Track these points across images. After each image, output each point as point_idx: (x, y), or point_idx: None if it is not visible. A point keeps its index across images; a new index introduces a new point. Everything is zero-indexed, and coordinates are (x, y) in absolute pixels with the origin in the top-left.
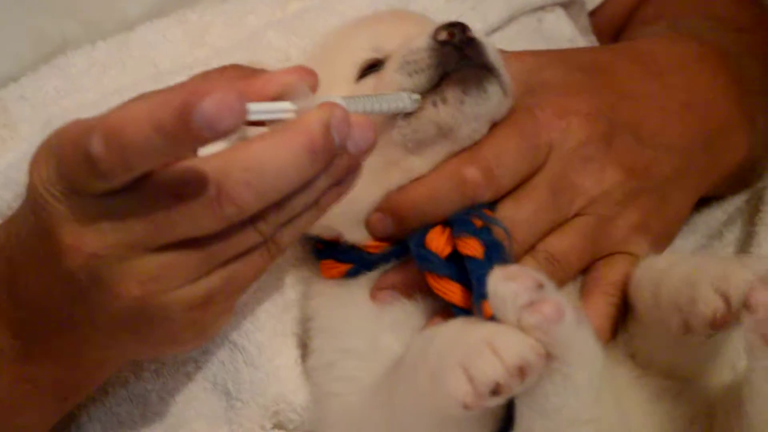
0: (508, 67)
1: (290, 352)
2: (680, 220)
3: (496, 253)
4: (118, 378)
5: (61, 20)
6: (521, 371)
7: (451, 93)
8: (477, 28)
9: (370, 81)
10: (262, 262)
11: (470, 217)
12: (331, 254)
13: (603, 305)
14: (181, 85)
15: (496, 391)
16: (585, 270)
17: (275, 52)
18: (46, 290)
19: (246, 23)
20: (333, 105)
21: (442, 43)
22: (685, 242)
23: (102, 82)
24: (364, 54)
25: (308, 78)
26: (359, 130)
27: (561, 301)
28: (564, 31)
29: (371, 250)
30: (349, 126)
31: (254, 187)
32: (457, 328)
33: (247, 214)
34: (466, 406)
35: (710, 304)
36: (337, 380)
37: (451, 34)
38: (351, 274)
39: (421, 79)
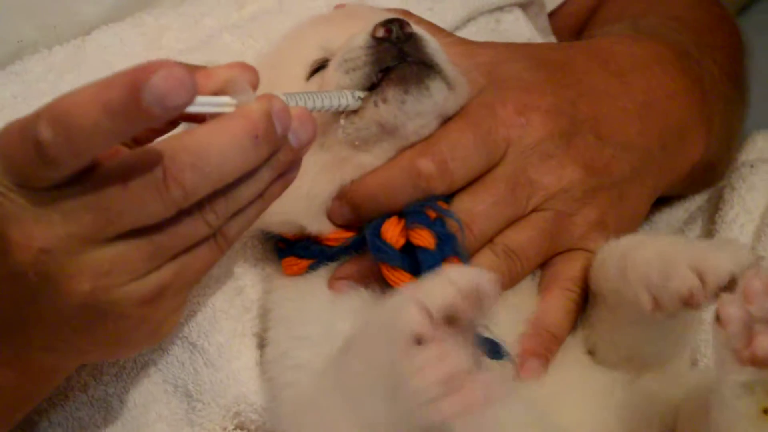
0: (473, 57)
1: (250, 353)
2: (638, 218)
3: (448, 245)
4: (78, 382)
5: (17, 24)
6: (476, 296)
7: (392, 92)
8: None
9: (316, 80)
10: (211, 256)
11: (424, 208)
12: (293, 252)
13: (561, 300)
14: (127, 70)
15: (451, 318)
16: (543, 265)
17: (231, 55)
18: None
19: (202, 26)
20: (272, 96)
21: (380, 40)
22: None
23: (59, 87)
24: (314, 54)
25: (248, 74)
26: (299, 122)
27: (476, 390)
28: (522, 32)
29: (331, 243)
30: (290, 117)
31: (199, 169)
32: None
33: (194, 198)
34: (419, 336)
35: (687, 281)
36: (292, 368)
37: (389, 31)
38: (312, 268)
39: (358, 77)
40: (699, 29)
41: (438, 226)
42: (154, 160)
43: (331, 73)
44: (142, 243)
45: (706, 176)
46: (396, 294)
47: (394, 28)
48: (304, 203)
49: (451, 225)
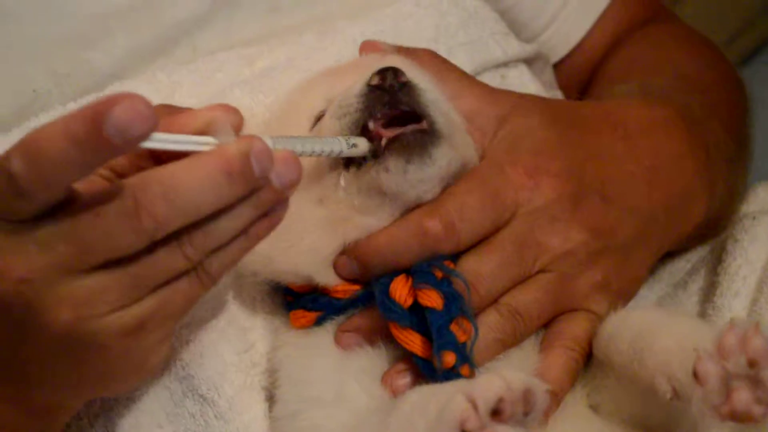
0: (489, 103)
1: (259, 406)
2: (640, 280)
3: (455, 305)
4: None
5: (32, 74)
6: (525, 395)
7: (393, 162)
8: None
9: (315, 130)
10: (193, 291)
11: (431, 268)
12: (301, 304)
13: (563, 358)
14: (92, 102)
15: (497, 411)
16: (546, 324)
17: (242, 110)
18: None
19: (214, 81)
20: (254, 137)
21: (374, 88)
22: (650, 292)
23: None
24: (319, 105)
25: (231, 115)
26: (283, 163)
27: None
28: (528, 86)
29: (339, 295)
30: (271, 158)
31: (171, 201)
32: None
33: (167, 229)
34: (465, 428)
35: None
36: (303, 429)
37: (383, 78)
38: (320, 322)
39: (348, 122)
40: (704, 88)
41: (445, 286)
42: (126, 191)
43: (326, 120)
44: (119, 274)
45: (707, 232)
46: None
47: (388, 76)
48: (307, 256)
49: (458, 285)
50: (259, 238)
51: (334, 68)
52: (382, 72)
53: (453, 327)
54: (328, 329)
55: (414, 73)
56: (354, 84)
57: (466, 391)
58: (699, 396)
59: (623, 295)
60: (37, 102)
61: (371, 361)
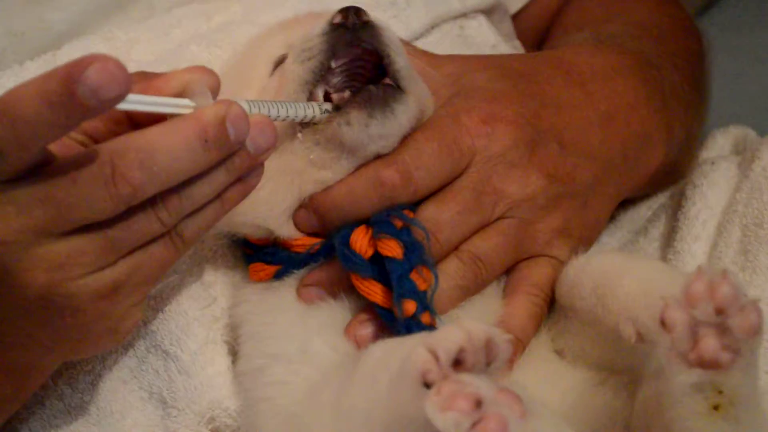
0: (438, 68)
1: (222, 360)
2: (600, 225)
3: (415, 254)
4: (54, 391)
5: None
6: (487, 345)
7: (356, 116)
8: (401, 35)
9: (277, 74)
10: (167, 255)
11: (391, 218)
12: (260, 257)
13: (526, 304)
14: (65, 63)
15: (459, 361)
16: (508, 271)
17: (199, 64)
18: None
19: (171, 38)
20: (230, 102)
21: (336, 26)
22: (611, 238)
23: None
24: (277, 51)
25: (208, 77)
26: (258, 129)
27: (502, 412)
28: (487, 37)
29: (298, 249)
30: (247, 124)
31: (147, 167)
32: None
33: (143, 196)
34: (427, 379)
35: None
36: (268, 385)
37: (345, 17)
38: (279, 275)
39: (313, 65)
40: (660, 35)
41: (404, 236)
42: (103, 157)
43: (288, 64)
44: (95, 237)
45: (667, 177)
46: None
47: (350, 15)
48: (264, 208)
49: (417, 233)
50: (234, 202)
51: (291, 19)
52: (344, 11)
53: (413, 275)
54: (290, 284)
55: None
56: (314, 26)
57: (427, 343)
58: (666, 343)
59: (584, 240)
60: None
61: (334, 314)
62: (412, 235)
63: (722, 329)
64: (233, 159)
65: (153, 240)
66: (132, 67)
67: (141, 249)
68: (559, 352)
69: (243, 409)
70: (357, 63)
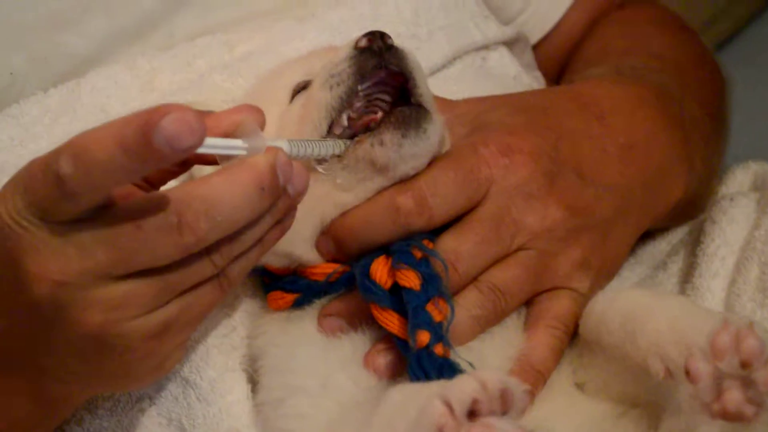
0: (453, 110)
1: (241, 388)
2: (621, 257)
3: (433, 285)
4: (74, 416)
5: (8, 57)
6: (503, 395)
7: (389, 136)
8: (423, 66)
9: (300, 100)
10: (215, 295)
11: (410, 248)
12: (279, 286)
13: (547, 337)
14: (143, 110)
15: (474, 411)
16: (528, 303)
17: (221, 93)
18: (9, 324)
19: (194, 68)
20: (277, 149)
21: (362, 51)
22: (632, 273)
23: (54, 130)
24: (297, 78)
25: (256, 116)
26: (297, 173)
27: None
28: (508, 69)
29: (317, 278)
30: (291, 170)
31: (212, 218)
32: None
33: (205, 244)
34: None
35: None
36: (288, 417)
37: (371, 41)
38: (298, 304)
39: (342, 90)
40: (680, 68)
41: (423, 267)
42: (170, 205)
43: (315, 89)
44: (152, 281)
45: (687, 211)
46: (423, 386)
47: (375, 39)
48: (289, 235)
49: (436, 265)
50: (272, 243)
51: (309, 52)
52: (370, 35)
53: (429, 307)
54: (310, 315)
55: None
56: (339, 51)
57: (443, 395)
58: (690, 393)
59: (605, 272)
60: (14, 86)
61: (355, 347)
62: (431, 267)
63: (747, 382)
64: (277, 203)
65: (203, 282)
66: (155, 97)
67: (191, 290)
68: (580, 386)
69: None
70: (379, 88)
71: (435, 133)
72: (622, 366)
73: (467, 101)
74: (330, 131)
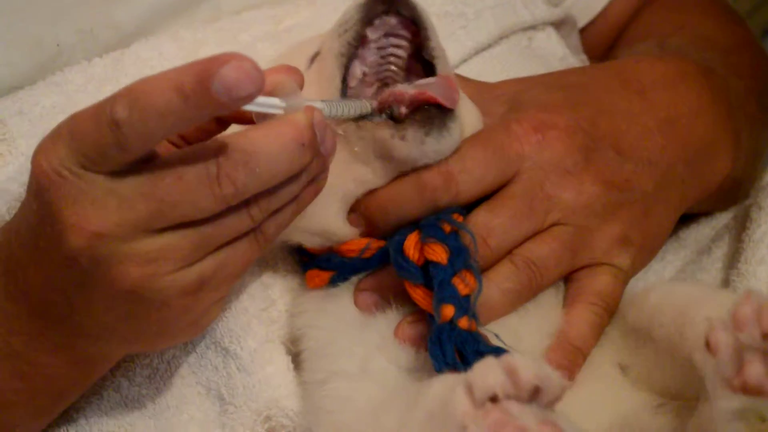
0: (490, 91)
1: (281, 359)
2: (663, 234)
3: (460, 258)
4: (112, 383)
5: (55, 27)
6: (535, 389)
7: (412, 133)
8: (468, 46)
9: (316, 62)
10: (251, 252)
11: (440, 222)
12: (316, 263)
13: (586, 314)
14: (201, 59)
15: (494, 398)
16: (567, 279)
17: (263, 61)
18: (45, 279)
19: (239, 40)
20: (314, 108)
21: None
22: (675, 257)
23: (98, 98)
24: (314, 47)
25: (294, 76)
26: (328, 133)
27: None
28: (555, 50)
29: (351, 254)
30: (326, 128)
31: (251, 169)
32: None
33: (243, 196)
34: (465, 423)
35: None
36: (330, 398)
37: None
38: (334, 281)
39: (349, 36)
40: (726, 49)
41: (451, 240)
42: (209, 156)
43: (326, 42)
44: (189, 234)
45: (731, 194)
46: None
47: None
48: (315, 207)
49: (465, 238)
50: (307, 202)
51: None
52: None
53: (455, 280)
54: (347, 293)
55: None
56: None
57: (467, 384)
58: (711, 367)
59: (647, 249)
60: (60, 56)
61: (391, 326)
62: (459, 240)
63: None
64: (312, 161)
65: (239, 237)
66: None
67: (228, 246)
68: (624, 368)
69: (304, 414)
70: (391, 41)
71: (457, 129)
72: (670, 360)
73: (506, 82)
74: (346, 84)
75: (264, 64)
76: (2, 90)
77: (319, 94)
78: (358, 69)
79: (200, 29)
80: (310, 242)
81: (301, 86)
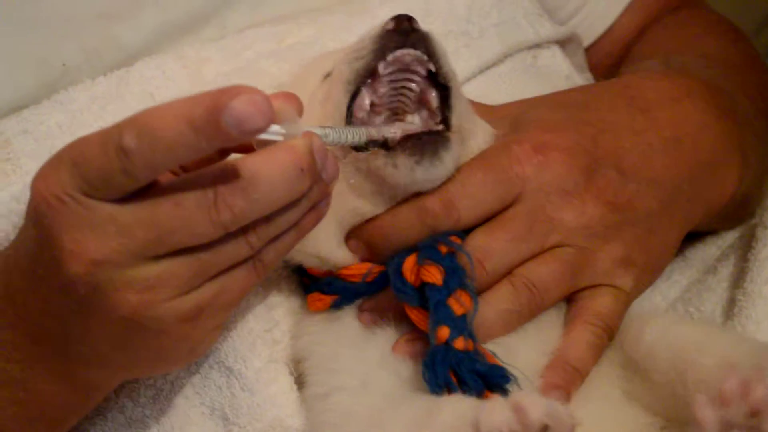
0: (494, 113)
1: (285, 379)
2: (667, 254)
3: (455, 279)
4: (116, 403)
5: (61, 47)
6: (543, 427)
7: (403, 160)
8: (472, 64)
9: (327, 81)
10: (249, 279)
11: (437, 244)
12: (318, 287)
13: (585, 334)
14: (212, 90)
15: None
16: (569, 300)
17: (267, 78)
18: (43, 306)
19: (242, 58)
20: (313, 134)
21: (390, 33)
22: (681, 276)
23: (102, 117)
24: (328, 66)
25: (293, 103)
26: (330, 159)
27: None
28: (560, 68)
29: (353, 279)
30: (326, 153)
31: (249, 196)
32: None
33: (242, 222)
34: None
35: None
36: (332, 411)
37: (397, 23)
38: (337, 305)
39: (360, 65)
40: (732, 67)
41: (447, 261)
42: (207, 183)
43: (336, 66)
44: (187, 261)
45: (737, 213)
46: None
47: (403, 22)
48: (311, 240)
49: (462, 259)
50: (308, 229)
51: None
52: (397, 18)
53: (450, 301)
54: (350, 315)
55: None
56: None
57: (474, 423)
58: None
59: (650, 269)
60: (66, 76)
61: (391, 343)
62: (455, 260)
63: (755, 431)
64: (312, 188)
65: (238, 264)
66: (203, 87)
67: (226, 273)
68: (628, 393)
69: (308, 430)
70: (405, 75)
71: (451, 159)
72: (670, 392)
73: (509, 104)
74: (351, 114)
75: (269, 81)
76: (7, 109)
77: (324, 116)
78: (366, 99)
79: (204, 47)
80: (309, 263)
81: (300, 113)
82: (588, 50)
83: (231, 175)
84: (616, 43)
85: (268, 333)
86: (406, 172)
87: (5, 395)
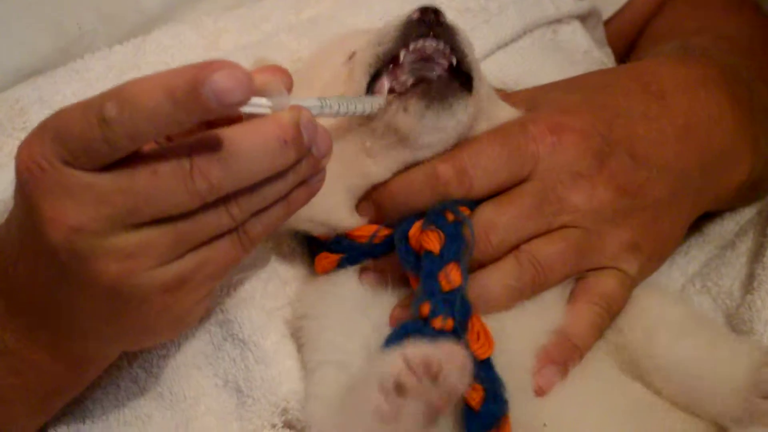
0: (514, 97)
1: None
2: (674, 241)
3: (453, 249)
4: (129, 374)
5: (79, 12)
6: (427, 369)
7: (413, 104)
8: (491, 41)
9: (351, 61)
10: (233, 252)
11: (444, 212)
12: (326, 247)
13: (587, 313)
14: (192, 64)
15: (400, 389)
16: (575, 280)
17: (286, 52)
18: (32, 274)
19: (260, 29)
20: (301, 108)
21: (415, 22)
22: (700, 252)
23: None
24: (353, 45)
25: (283, 78)
26: (321, 135)
27: None
28: (579, 43)
29: (360, 240)
30: (316, 128)
31: (226, 165)
32: None
33: (219, 192)
34: (379, 413)
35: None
36: (318, 385)
37: (424, 13)
38: (342, 264)
39: (381, 50)
40: (751, 49)
41: (450, 229)
42: (184, 152)
43: (359, 50)
44: (167, 229)
45: (751, 193)
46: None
47: (429, 12)
48: (319, 198)
49: (466, 230)
50: (299, 204)
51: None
52: (423, 9)
53: (441, 275)
54: (353, 279)
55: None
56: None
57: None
58: None
59: (656, 256)
60: (82, 41)
61: (385, 314)
62: (459, 230)
63: None
64: (301, 162)
65: (220, 236)
66: (220, 56)
67: (208, 244)
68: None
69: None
70: (429, 65)
71: (463, 110)
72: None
73: (526, 89)
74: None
75: (288, 55)
76: (23, 73)
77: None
78: (386, 83)
79: (221, 17)
80: (317, 231)
81: (289, 87)
82: (606, 24)
83: (209, 145)
84: (635, 17)
85: (283, 310)
86: (417, 116)
87: (3, 364)
